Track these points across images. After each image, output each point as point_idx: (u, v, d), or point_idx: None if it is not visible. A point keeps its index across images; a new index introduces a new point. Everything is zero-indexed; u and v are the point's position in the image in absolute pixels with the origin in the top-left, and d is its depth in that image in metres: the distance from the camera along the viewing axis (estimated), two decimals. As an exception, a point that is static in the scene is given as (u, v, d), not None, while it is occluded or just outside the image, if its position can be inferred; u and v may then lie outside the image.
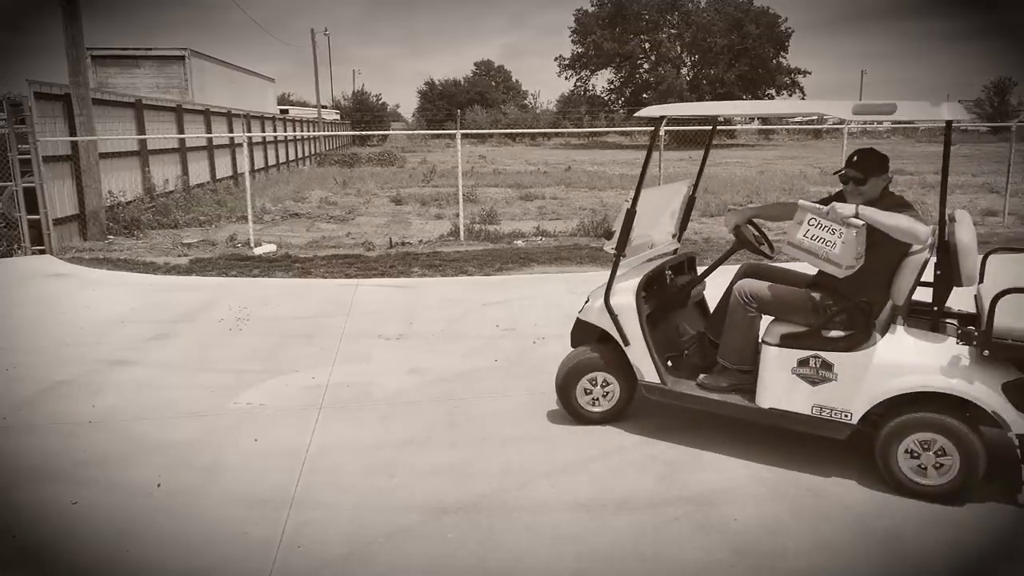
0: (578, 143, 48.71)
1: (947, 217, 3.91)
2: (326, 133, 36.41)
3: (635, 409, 4.87)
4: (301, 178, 23.95)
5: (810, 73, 55.04)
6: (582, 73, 57.18)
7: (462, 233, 11.84)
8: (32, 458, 4.23)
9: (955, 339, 3.63)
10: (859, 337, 3.71)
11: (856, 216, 3.58)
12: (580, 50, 55.89)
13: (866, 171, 3.86)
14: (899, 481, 3.66)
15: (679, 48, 54.18)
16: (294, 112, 43.41)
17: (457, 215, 12.25)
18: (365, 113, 65.57)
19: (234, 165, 21.13)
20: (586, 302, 4.58)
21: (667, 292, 4.59)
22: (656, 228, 4.61)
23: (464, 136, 13.03)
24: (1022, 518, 3.55)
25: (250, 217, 11.66)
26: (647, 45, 54.99)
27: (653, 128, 4.68)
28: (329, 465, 4.12)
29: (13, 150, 10.62)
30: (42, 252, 10.74)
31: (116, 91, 19.85)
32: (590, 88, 58.41)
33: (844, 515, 3.57)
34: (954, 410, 3.54)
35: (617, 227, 4.22)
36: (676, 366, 4.49)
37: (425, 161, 31.23)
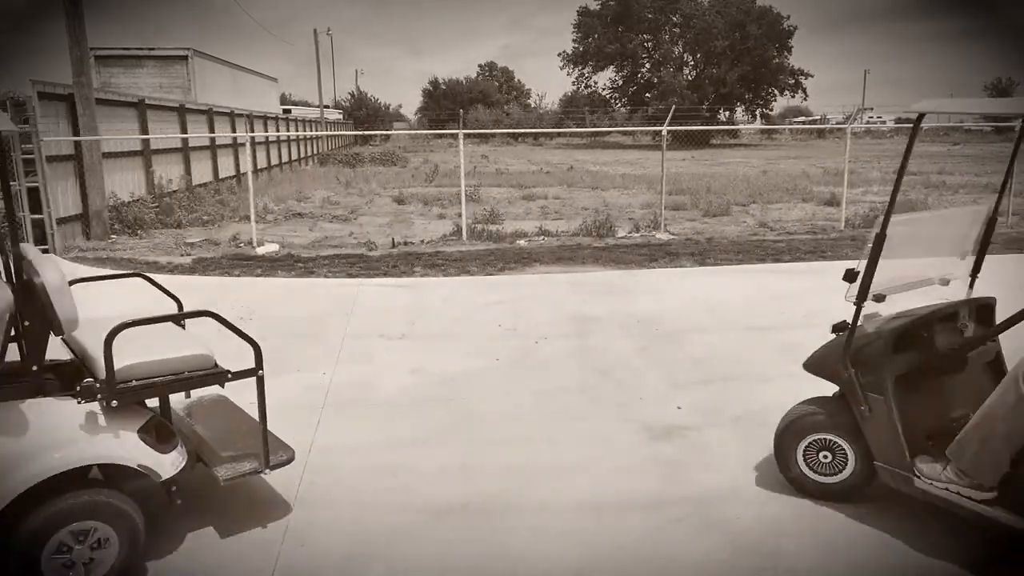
0: (580, 143, 48.70)
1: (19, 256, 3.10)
2: (329, 133, 36.40)
3: (635, 408, 4.87)
4: (304, 178, 23.96)
5: (812, 76, 54.93)
6: (584, 70, 57.21)
7: (464, 233, 11.85)
8: (35, 457, 4.23)
9: (74, 398, 3.03)
10: None
11: None
12: (582, 48, 55.92)
13: None
14: None
15: (681, 47, 54.16)
16: (296, 112, 43.43)
17: (459, 215, 12.26)
18: (367, 111, 65.58)
19: (237, 165, 21.14)
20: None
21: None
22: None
23: (467, 136, 13.04)
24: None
25: (253, 217, 11.68)
26: (649, 45, 54.98)
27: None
28: (331, 465, 4.12)
29: (17, 150, 10.65)
30: (45, 251, 10.77)
31: (119, 91, 19.88)
32: (592, 86, 58.48)
33: (845, 515, 3.56)
34: (93, 482, 2.98)
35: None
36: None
37: (427, 161, 31.25)
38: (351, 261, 10.08)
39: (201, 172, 18.53)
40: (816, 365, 3.68)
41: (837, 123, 42.83)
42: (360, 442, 4.42)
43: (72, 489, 2.88)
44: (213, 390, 3.76)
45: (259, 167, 23.03)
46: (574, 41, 56.34)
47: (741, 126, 53.68)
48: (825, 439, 3.60)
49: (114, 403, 3.03)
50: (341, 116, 58.69)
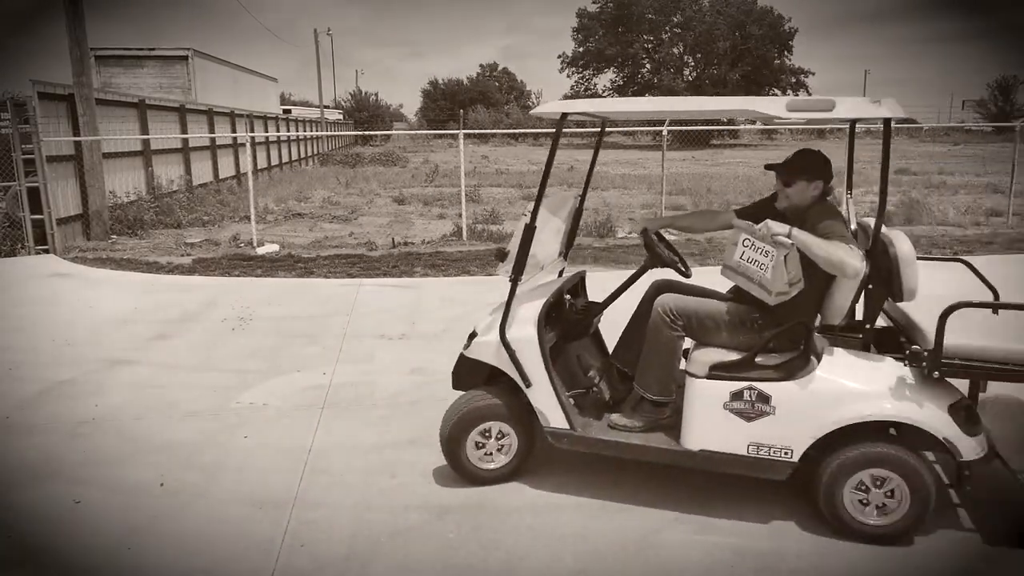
0: (580, 143, 48.67)
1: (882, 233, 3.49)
2: (329, 133, 36.39)
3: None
4: (304, 178, 23.97)
5: (813, 74, 54.91)
6: (584, 72, 57.18)
7: (465, 233, 11.85)
8: (35, 457, 4.24)
9: (900, 360, 3.36)
10: (798, 363, 3.31)
11: (788, 236, 3.23)
12: (581, 50, 55.90)
13: (793, 173, 3.51)
14: (845, 523, 3.31)
15: (682, 47, 54.16)
16: (297, 112, 43.43)
17: (460, 215, 12.26)
18: (365, 111, 65.55)
19: (237, 165, 21.15)
20: (471, 336, 3.86)
21: (567, 320, 3.99)
22: (542, 246, 3.90)
23: (467, 136, 13.05)
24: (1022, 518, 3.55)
25: (253, 217, 11.68)
26: (650, 46, 54.97)
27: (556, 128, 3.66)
28: (331, 465, 4.13)
29: (17, 150, 10.65)
30: (46, 252, 10.76)
31: (119, 91, 19.90)
32: (592, 87, 58.40)
33: (845, 515, 3.57)
34: (903, 441, 3.29)
35: (513, 247, 3.62)
36: (582, 406, 3.83)
37: (428, 161, 31.26)
38: (351, 261, 10.08)
39: (201, 172, 18.53)
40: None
41: (837, 124, 42.83)
42: (360, 442, 4.42)
43: (876, 439, 3.27)
44: (1009, 387, 3.77)
45: (259, 167, 23.03)
46: (575, 42, 56.30)
47: (741, 126, 53.64)
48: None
49: (935, 374, 3.20)
50: (341, 116, 58.69)
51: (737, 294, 3.65)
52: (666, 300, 3.60)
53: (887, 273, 3.43)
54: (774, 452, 3.34)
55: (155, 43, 26.95)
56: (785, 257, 3.20)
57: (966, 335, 3.21)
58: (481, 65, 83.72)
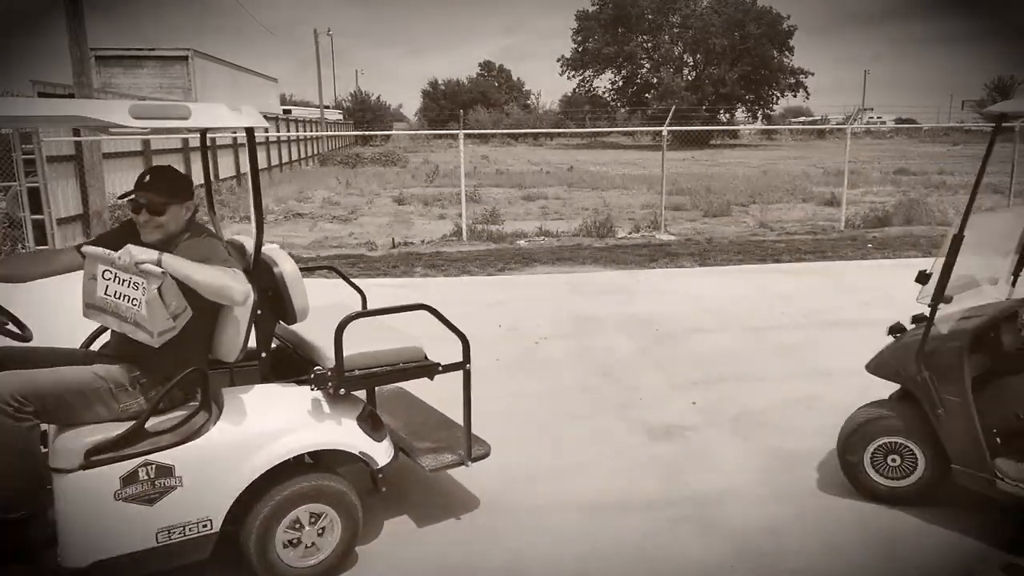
0: (580, 143, 48.70)
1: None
2: (329, 133, 36.40)
3: (635, 408, 4.86)
4: (304, 178, 23.98)
5: (813, 74, 54.92)
6: (584, 73, 57.24)
7: (465, 233, 11.86)
8: (36, 457, 4.23)
9: (303, 384, 3.12)
10: (198, 418, 2.82)
11: (158, 263, 2.69)
12: (581, 50, 55.93)
13: (163, 197, 3.03)
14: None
15: (681, 47, 54.17)
16: (297, 112, 43.41)
17: (460, 215, 12.27)
18: (367, 112, 65.53)
19: (237, 165, 21.15)
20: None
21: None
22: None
23: (467, 136, 13.06)
24: (1020, 518, 3.55)
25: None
26: (649, 46, 54.99)
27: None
28: (331, 465, 4.11)
29: (17, 150, 10.65)
30: (46, 252, 10.77)
31: (119, 91, 19.91)
32: (592, 88, 58.48)
33: (845, 515, 3.57)
34: (321, 466, 3.09)
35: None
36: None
37: (428, 161, 31.26)
38: (351, 261, 10.08)
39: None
40: (883, 367, 3.65)
41: (837, 123, 42.84)
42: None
43: (302, 472, 3.01)
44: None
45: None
46: (574, 43, 56.31)
47: (741, 126, 53.69)
48: (894, 442, 3.56)
49: (341, 391, 3.10)
50: (341, 116, 58.66)
51: (115, 349, 3.03)
52: (3, 381, 2.68)
53: (275, 295, 3.17)
54: (190, 530, 2.78)
55: (155, 43, 26.93)
56: (160, 287, 2.68)
57: (356, 346, 3.13)
58: (480, 65, 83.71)
